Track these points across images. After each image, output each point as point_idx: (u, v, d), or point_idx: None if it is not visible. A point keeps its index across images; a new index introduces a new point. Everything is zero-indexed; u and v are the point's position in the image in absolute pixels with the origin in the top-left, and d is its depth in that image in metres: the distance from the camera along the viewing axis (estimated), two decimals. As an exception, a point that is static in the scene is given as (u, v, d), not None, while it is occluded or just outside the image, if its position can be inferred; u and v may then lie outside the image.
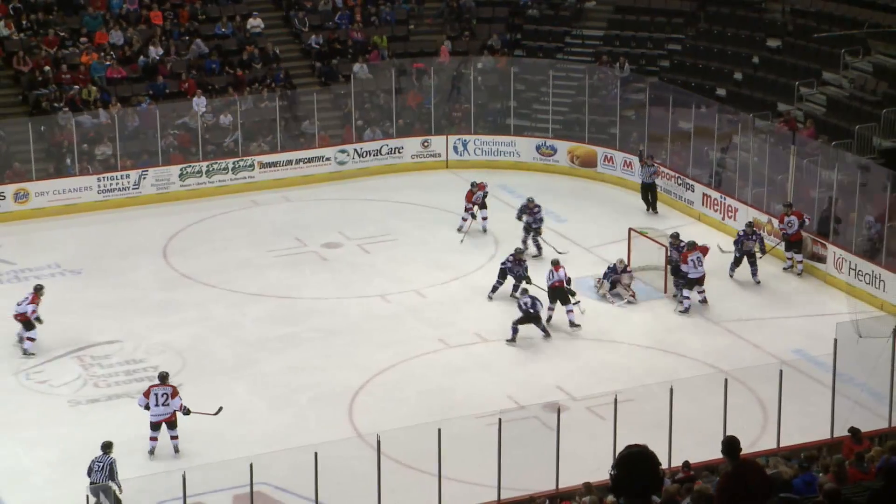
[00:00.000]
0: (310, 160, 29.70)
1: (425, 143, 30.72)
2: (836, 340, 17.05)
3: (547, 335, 21.50)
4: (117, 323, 22.13)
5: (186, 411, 18.06)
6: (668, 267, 22.73)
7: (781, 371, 16.82)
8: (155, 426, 18.13)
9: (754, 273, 23.27)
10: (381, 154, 30.33)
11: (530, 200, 24.86)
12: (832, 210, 24.14)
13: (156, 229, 26.53)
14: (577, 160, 30.00)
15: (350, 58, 32.15)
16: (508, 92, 31.28)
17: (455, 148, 30.75)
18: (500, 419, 15.43)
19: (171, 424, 18.17)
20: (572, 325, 21.73)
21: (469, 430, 17.15)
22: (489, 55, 32.50)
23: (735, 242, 23.42)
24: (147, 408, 18.09)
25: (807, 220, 23.65)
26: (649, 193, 26.93)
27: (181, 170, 28.65)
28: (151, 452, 18.14)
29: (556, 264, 22.16)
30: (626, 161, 29.22)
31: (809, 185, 25.02)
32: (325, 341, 21.60)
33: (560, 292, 21.91)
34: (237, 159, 29.14)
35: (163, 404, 18.03)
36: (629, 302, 22.64)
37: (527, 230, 24.81)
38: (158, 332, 21.84)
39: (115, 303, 22.97)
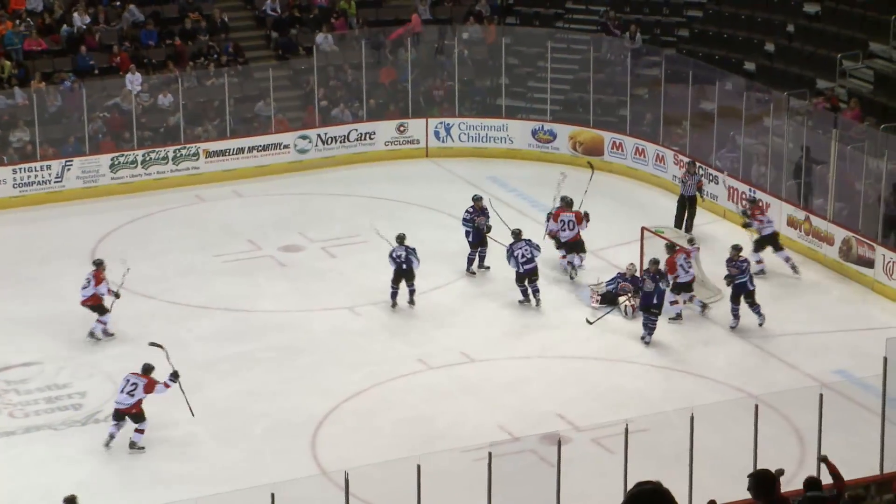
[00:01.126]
0: (265, 148, 29.79)
1: (401, 128, 30.79)
2: (885, 359, 17.02)
3: (411, 301, 22.79)
4: (37, 341, 22.08)
5: (175, 376, 19.02)
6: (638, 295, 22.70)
7: (822, 395, 16.86)
8: (117, 415, 18.89)
9: (757, 312, 22.21)
10: (349, 140, 30.39)
11: (478, 199, 24.58)
12: (881, 205, 24.21)
13: (82, 230, 26.50)
14: (581, 147, 30.08)
15: (312, 27, 32.19)
16: (499, 67, 31.37)
17: (436, 133, 30.83)
18: (489, 453, 15.43)
19: (136, 417, 18.92)
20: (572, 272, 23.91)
21: (454, 466, 17.17)
22: (476, 23, 32.60)
23: (728, 268, 22.34)
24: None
25: (757, 221, 24.06)
26: (688, 207, 25.88)
27: (112, 159, 28.65)
28: (108, 444, 18.85)
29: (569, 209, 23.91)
30: (637, 148, 29.38)
31: (854, 176, 25.14)
32: (284, 362, 21.65)
33: (579, 245, 23.88)
34: (179, 147, 29.19)
35: (128, 393, 18.83)
36: (624, 313, 22.75)
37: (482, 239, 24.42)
38: (85, 351, 21.81)
39: (35, 317, 22.93)
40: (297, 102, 31.17)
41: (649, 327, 21.91)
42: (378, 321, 22.98)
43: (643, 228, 24.48)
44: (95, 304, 21.92)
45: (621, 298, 23.06)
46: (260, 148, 29.72)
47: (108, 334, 22.04)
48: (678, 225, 25.81)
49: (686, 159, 27.02)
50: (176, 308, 23.36)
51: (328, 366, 21.46)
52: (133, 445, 19.00)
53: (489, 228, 24.19)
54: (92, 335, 21.94)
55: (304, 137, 30.09)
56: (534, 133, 30.55)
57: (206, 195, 28.52)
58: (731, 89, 27.78)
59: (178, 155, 29.07)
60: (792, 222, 25.48)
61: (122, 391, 18.92)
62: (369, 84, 30.99)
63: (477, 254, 24.45)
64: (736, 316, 22.27)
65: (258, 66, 30.89)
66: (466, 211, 24.46)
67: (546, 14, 33.36)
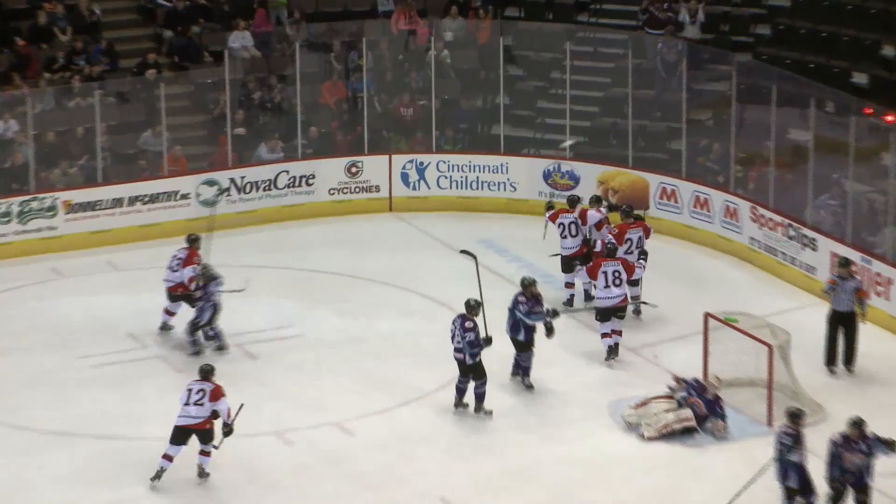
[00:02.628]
0: (154, 198, 29.85)
1: (353, 168, 30.75)
2: None
3: (220, 347, 25.14)
4: None
5: (228, 431, 21.07)
6: None
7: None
8: (177, 436, 21.02)
9: None
10: (276, 188, 30.46)
11: (530, 283, 24.22)
12: None
13: None
14: (616, 196, 30.05)
15: (223, 23, 32.36)
16: (496, 80, 31.41)
17: (404, 176, 30.96)
18: None
19: (204, 436, 20.98)
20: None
21: None
22: (461, 17, 32.69)
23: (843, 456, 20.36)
24: None
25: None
26: (843, 329, 24.82)
27: (-70, 216, 28.60)
28: (156, 477, 21.06)
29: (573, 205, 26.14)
30: (698, 197, 29.47)
31: None
32: (181, 514, 21.38)
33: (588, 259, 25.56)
34: (28, 198, 29.18)
35: (195, 403, 20.91)
36: (714, 432, 22.69)
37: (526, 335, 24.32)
38: None
39: None
40: (202, 132, 31.23)
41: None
42: (319, 453, 22.61)
43: (707, 315, 24.18)
44: (184, 294, 24.95)
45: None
46: (146, 198, 29.76)
47: (167, 327, 25.48)
48: (831, 358, 24.86)
49: (838, 253, 26.32)
50: (24, 435, 23.01)
51: (246, 520, 21.20)
52: (202, 473, 21.13)
53: (550, 327, 23.94)
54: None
55: (210, 183, 30.13)
56: (546, 176, 30.56)
57: (67, 268, 28.41)
58: (833, 112, 27.76)
59: (27, 209, 29.07)
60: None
61: (185, 402, 20.92)
62: (307, 106, 30.99)
63: (529, 358, 24.17)
64: None
65: (145, 80, 30.78)
66: (517, 301, 24.02)
67: (564, 4, 33.43)
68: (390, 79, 32.05)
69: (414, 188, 30.99)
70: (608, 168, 30.48)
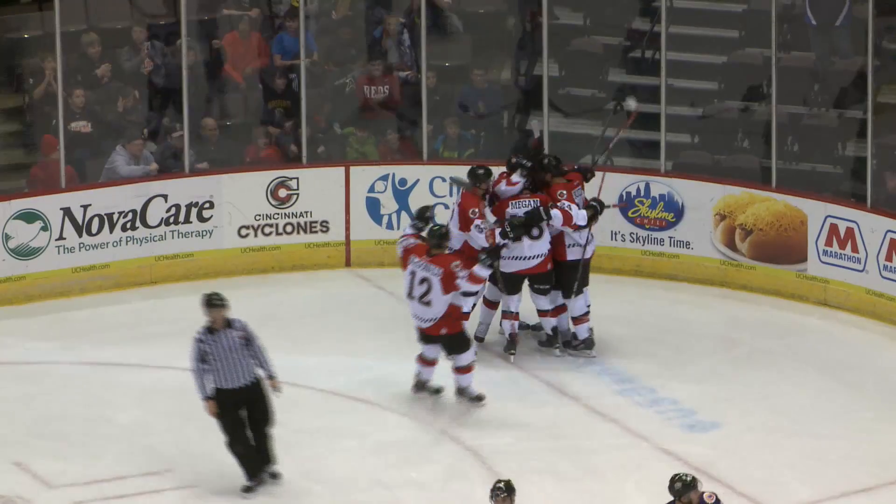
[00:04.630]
0: None
1: (282, 190, 28.80)
2: None
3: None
4: None
5: (494, 254, 22.70)
6: None
7: None
8: (425, 339, 22.47)
9: None
10: (145, 225, 28.44)
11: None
12: None
13: None
14: (747, 240, 28.41)
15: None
16: (535, 34, 29.23)
17: (372, 204, 29.17)
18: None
19: (452, 343, 22.25)
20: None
21: None
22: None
23: None
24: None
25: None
26: None
27: None
28: (419, 385, 22.74)
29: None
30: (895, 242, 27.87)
31: None
32: None
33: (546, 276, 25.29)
34: None
35: (420, 300, 22.07)
36: None
37: None
38: None
39: None
40: (13, 126, 29.47)
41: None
42: None
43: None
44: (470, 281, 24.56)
45: None
46: None
47: (510, 347, 24.97)
48: None
49: None
50: None
51: None
52: (462, 392, 22.48)
53: None
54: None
55: (33, 221, 28.00)
56: (625, 201, 28.68)
57: None
58: None
59: None
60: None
61: (409, 294, 22.11)
62: (200, 78, 29.03)
63: None
64: None
65: None
66: None
67: None
68: (349, 33, 29.75)
69: (389, 226, 28.65)
70: (734, 190, 28.24)
